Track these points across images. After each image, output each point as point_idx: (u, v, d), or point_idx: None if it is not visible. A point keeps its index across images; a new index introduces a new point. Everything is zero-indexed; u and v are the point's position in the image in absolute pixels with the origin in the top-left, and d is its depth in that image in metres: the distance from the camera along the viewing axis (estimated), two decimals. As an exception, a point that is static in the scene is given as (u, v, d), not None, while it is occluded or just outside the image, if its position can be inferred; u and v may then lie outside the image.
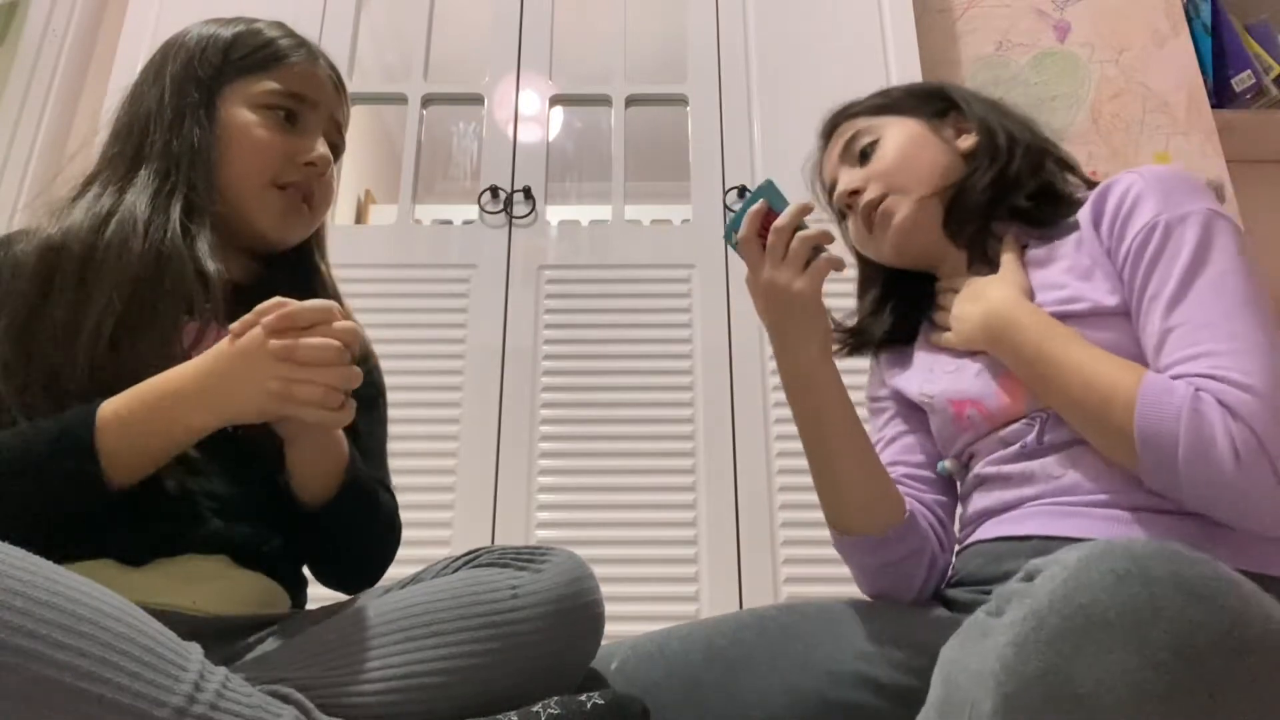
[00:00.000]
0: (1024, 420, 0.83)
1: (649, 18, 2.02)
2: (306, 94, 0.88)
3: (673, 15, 1.96)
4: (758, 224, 0.83)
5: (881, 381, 1.02)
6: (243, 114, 0.85)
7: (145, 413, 0.68)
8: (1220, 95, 1.95)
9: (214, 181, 0.83)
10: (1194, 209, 0.77)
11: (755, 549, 1.53)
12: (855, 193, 0.94)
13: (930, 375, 0.94)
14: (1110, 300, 0.80)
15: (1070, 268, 0.84)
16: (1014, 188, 0.90)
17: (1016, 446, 0.83)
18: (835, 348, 1.01)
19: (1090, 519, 0.76)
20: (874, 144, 0.95)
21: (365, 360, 0.97)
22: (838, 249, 0.86)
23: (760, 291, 0.84)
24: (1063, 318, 0.81)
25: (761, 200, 0.83)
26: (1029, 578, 0.49)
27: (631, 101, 1.91)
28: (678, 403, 1.63)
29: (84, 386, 0.71)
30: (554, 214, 1.82)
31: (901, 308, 1.01)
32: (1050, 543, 0.76)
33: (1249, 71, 1.93)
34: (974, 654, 0.49)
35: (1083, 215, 0.86)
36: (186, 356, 0.73)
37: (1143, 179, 0.81)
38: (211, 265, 0.79)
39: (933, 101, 0.97)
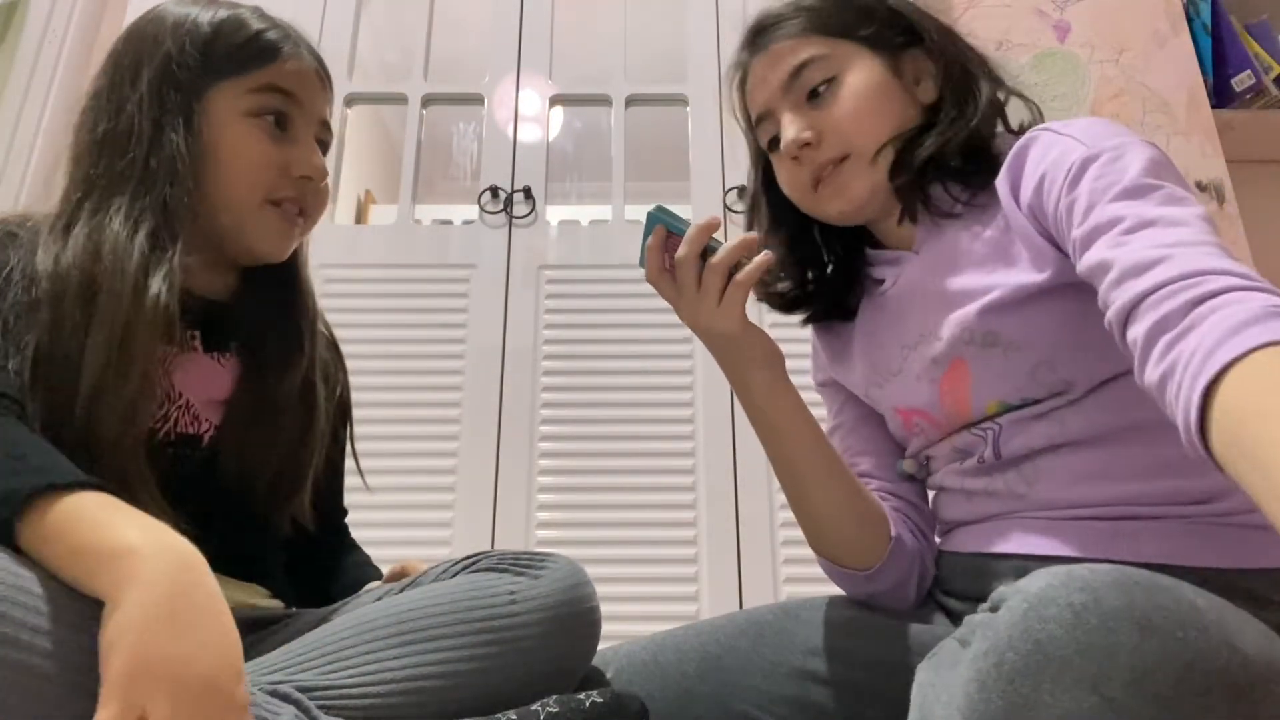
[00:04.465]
0: (974, 429, 0.78)
1: (649, 18, 2.02)
2: (295, 92, 0.81)
3: (673, 15, 1.96)
4: (661, 256, 0.74)
5: (824, 367, 0.94)
6: (230, 126, 0.78)
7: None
8: (1220, 95, 1.94)
9: (197, 200, 0.76)
10: (1128, 140, 0.69)
11: (755, 549, 1.53)
12: (807, 144, 0.81)
13: (874, 376, 0.87)
14: (1037, 276, 0.72)
15: (990, 255, 0.77)
16: (954, 145, 0.80)
17: (974, 460, 0.78)
18: (778, 307, 0.93)
19: (1068, 534, 0.72)
20: (829, 83, 0.82)
21: (338, 373, 0.94)
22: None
23: (688, 327, 0.77)
24: (992, 312, 0.74)
25: (658, 228, 0.74)
26: (994, 608, 0.48)
27: (631, 101, 1.91)
28: (678, 403, 1.63)
29: (84, 419, 0.68)
30: (554, 214, 1.82)
31: (835, 276, 0.90)
32: (1032, 562, 0.72)
33: (1249, 71, 1.93)
34: (944, 684, 0.48)
35: (1000, 186, 0.77)
36: (168, 382, 0.74)
37: (1059, 134, 0.73)
38: (169, 300, 0.72)
39: (892, 31, 0.84)
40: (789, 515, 1.55)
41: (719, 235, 0.74)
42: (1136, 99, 1.90)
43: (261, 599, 0.82)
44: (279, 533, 0.84)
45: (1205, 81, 1.94)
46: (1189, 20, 1.99)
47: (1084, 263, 0.65)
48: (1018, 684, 0.43)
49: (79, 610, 0.52)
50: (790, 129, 0.82)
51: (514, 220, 1.77)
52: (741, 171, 1.80)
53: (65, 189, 0.78)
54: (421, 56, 1.94)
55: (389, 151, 2.92)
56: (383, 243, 1.79)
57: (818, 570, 1.42)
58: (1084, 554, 0.70)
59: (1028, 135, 0.77)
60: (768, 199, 0.91)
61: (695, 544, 1.54)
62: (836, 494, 0.80)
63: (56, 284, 0.71)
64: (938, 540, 0.87)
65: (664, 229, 0.74)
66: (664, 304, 1.84)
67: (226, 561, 0.74)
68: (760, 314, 1.00)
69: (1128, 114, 1.88)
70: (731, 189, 1.78)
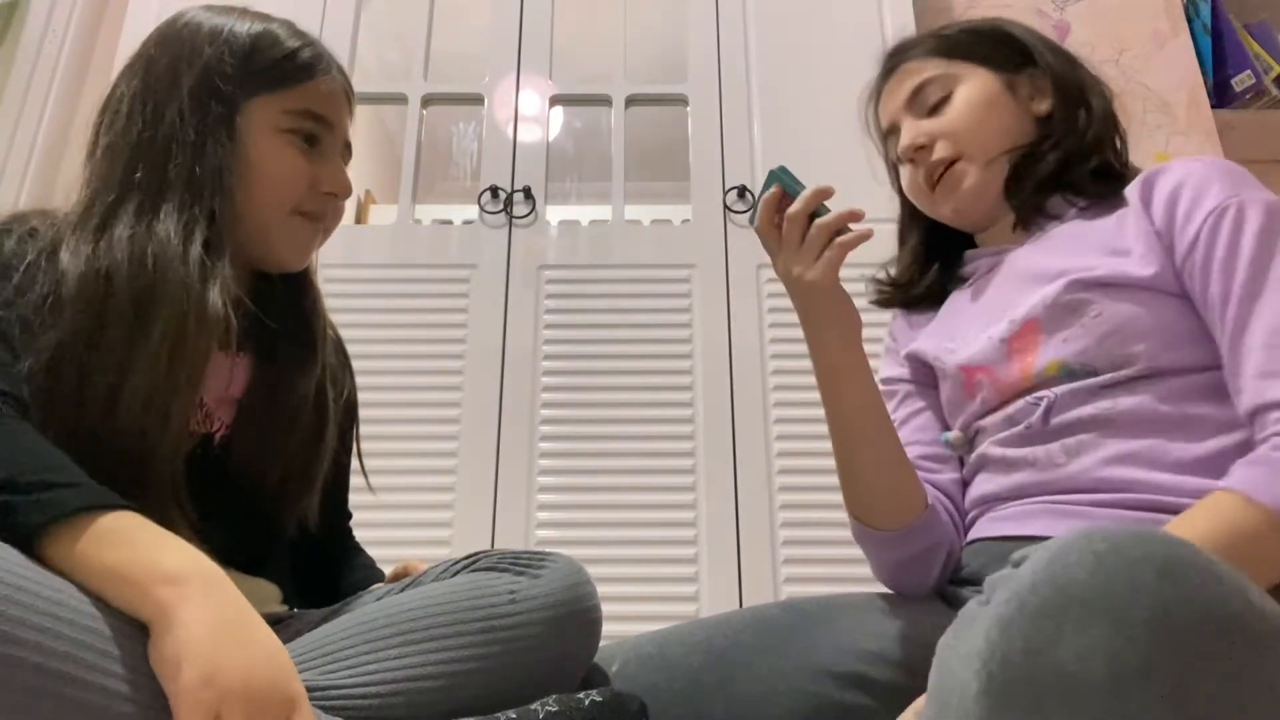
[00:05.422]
0: (1030, 398, 0.82)
1: (649, 18, 2.02)
2: (327, 115, 0.83)
3: (673, 15, 1.96)
4: (773, 211, 0.81)
5: (896, 360, 1.01)
6: (264, 140, 0.80)
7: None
8: (1220, 95, 1.94)
9: (234, 208, 0.78)
10: (1260, 197, 0.78)
11: (755, 549, 1.53)
12: (921, 148, 0.92)
13: (951, 343, 0.93)
14: (1143, 271, 0.79)
15: (1099, 242, 0.83)
16: (1080, 162, 0.88)
17: (1021, 427, 0.82)
18: (873, 296, 1.03)
19: (1094, 520, 0.76)
20: (946, 98, 0.92)
21: (345, 376, 0.95)
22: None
23: (782, 280, 0.83)
24: (1083, 286, 0.80)
25: (776, 186, 0.80)
26: (1016, 565, 0.49)
27: (631, 101, 1.91)
28: (678, 403, 1.63)
29: (127, 423, 0.68)
30: (554, 214, 1.82)
31: (941, 266, 1.00)
32: None
33: (1249, 71, 1.93)
34: (963, 640, 0.49)
35: (1130, 193, 0.85)
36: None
37: (1206, 166, 0.81)
38: (228, 313, 0.74)
39: (1008, 52, 0.94)
40: (789, 515, 1.56)
41: (828, 204, 0.81)
42: (1136, 99, 1.90)
43: (270, 597, 0.82)
44: (285, 533, 0.85)
45: (1205, 81, 1.94)
46: (1189, 20, 1.99)
47: (1226, 327, 0.74)
48: (1039, 623, 0.45)
49: (87, 611, 0.52)
50: (906, 136, 0.94)
51: (514, 220, 1.77)
52: (741, 171, 1.80)
53: (94, 189, 0.77)
54: (421, 56, 1.94)
55: (389, 151, 2.92)
56: (383, 243, 1.79)
57: (818, 570, 1.42)
58: None
59: (1166, 163, 0.84)
60: (902, 207, 1.03)
61: (695, 544, 1.53)
62: (884, 455, 0.84)
63: (88, 286, 0.70)
64: (965, 539, 0.90)
65: (780, 187, 0.80)
66: (665, 304, 1.83)
67: (234, 559, 0.74)
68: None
69: (1128, 114, 1.88)
70: (731, 189, 1.78)
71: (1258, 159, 1.98)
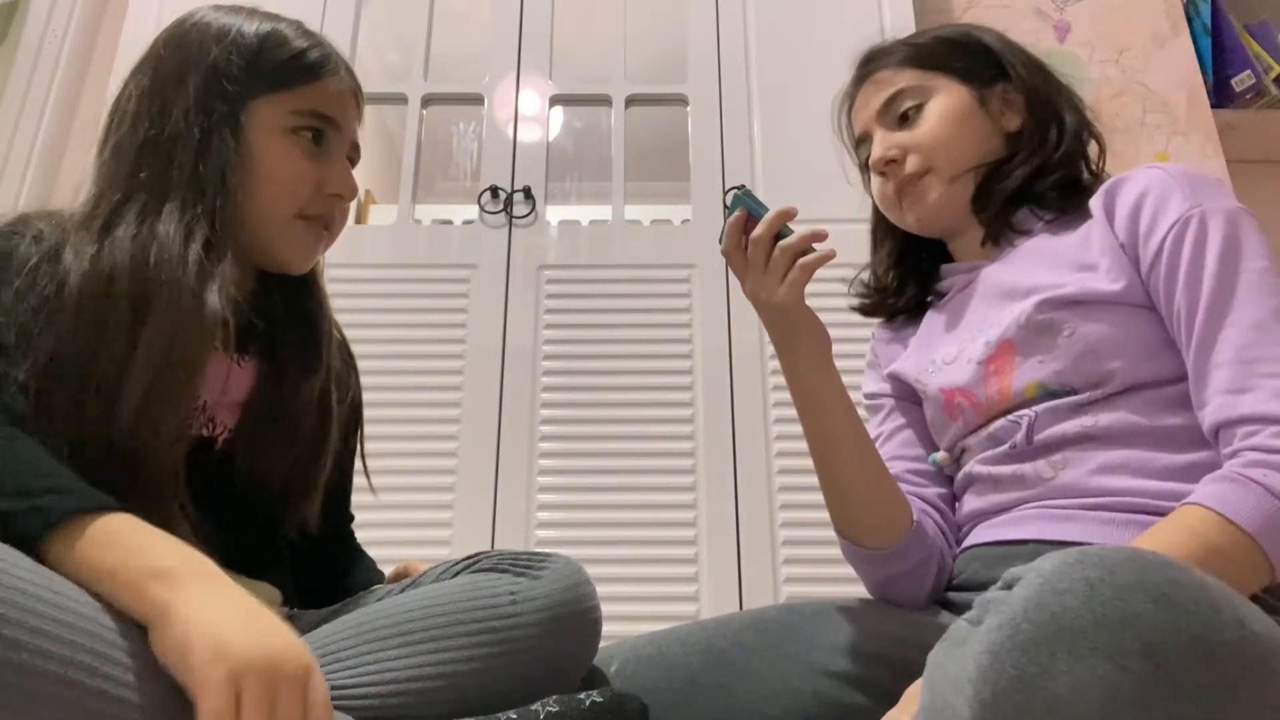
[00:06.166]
0: (1011, 417, 0.83)
1: (649, 18, 2.02)
2: (334, 116, 0.83)
3: (673, 15, 1.96)
4: (739, 235, 0.81)
5: (879, 375, 1.02)
6: (270, 141, 0.79)
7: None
8: (1220, 95, 1.94)
9: (237, 210, 0.77)
10: (1221, 206, 0.77)
11: (755, 549, 1.53)
12: (892, 161, 0.92)
13: (930, 364, 0.93)
14: (1111, 286, 0.79)
15: (1067, 258, 0.84)
16: (1045, 176, 0.89)
17: (1006, 446, 0.83)
18: (855, 302, 1.04)
19: (1085, 522, 0.77)
20: (918, 109, 0.92)
21: (349, 378, 0.94)
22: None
23: (751, 303, 0.83)
24: (1053, 305, 0.80)
25: (740, 209, 0.80)
26: (1008, 586, 0.49)
27: (631, 101, 1.91)
28: (678, 403, 1.63)
29: (127, 424, 0.68)
30: (554, 214, 1.82)
31: (916, 277, 1.01)
32: (1047, 547, 0.75)
33: (1249, 71, 1.93)
34: (953, 661, 0.49)
35: (1094, 205, 0.85)
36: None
37: (1167, 174, 0.80)
38: (226, 313, 0.73)
39: (982, 65, 0.94)
40: (789, 515, 1.56)
41: (791, 225, 0.81)
42: (1136, 99, 1.90)
43: (271, 600, 0.82)
44: (286, 536, 0.85)
45: (1205, 81, 1.94)
46: (1189, 20, 1.99)
47: (1193, 341, 0.75)
48: (1032, 654, 0.44)
49: (88, 613, 0.52)
50: (878, 148, 0.93)
51: (514, 220, 1.77)
52: (740, 171, 1.80)
53: (100, 188, 0.77)
54: (421, 56, 1.94)
55: (389, 151, 2.91)
56: (383, 243, 1.79)
57: (818, 570, 1.42)
58: (1099, 541, 0.71)
59: (1130, 172, 0.84)
60: (875, 210, 1.03)
61: (695, 544, 1.53)
62: (866, 471, 0.85)
63: (91, 286, 0.70)
64: (956, 550, 0.90)
65: (745, 211, 0.80)
66: (665, 304, 1.83)
67: (236, 562, 0.74)
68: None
69: (1128, 114, 1.88)
70: (731, 189, 1.77)
71: (1258, 159, 1.98)
